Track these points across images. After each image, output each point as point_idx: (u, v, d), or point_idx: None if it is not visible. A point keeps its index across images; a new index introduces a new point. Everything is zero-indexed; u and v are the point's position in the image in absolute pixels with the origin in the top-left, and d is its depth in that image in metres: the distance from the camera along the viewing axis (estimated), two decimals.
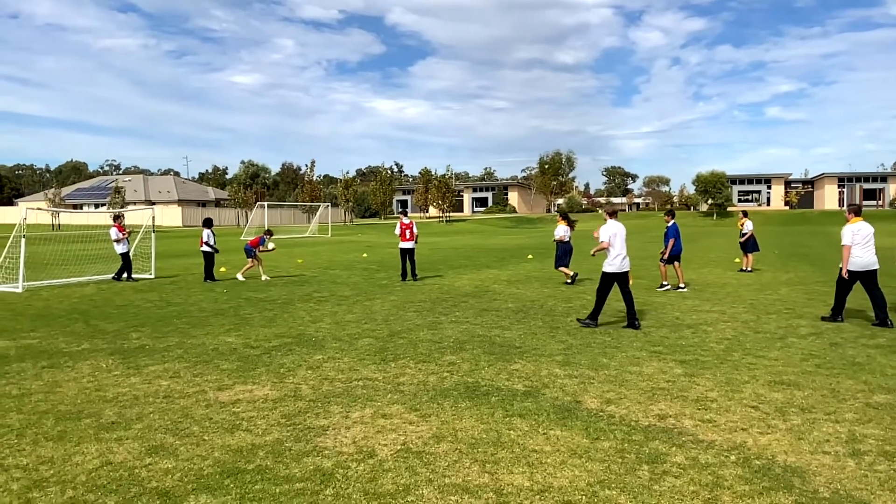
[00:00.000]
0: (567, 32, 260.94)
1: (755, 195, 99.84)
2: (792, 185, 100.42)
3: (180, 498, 4.59)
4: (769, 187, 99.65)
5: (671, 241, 15.89)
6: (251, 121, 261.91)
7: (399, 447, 5.52)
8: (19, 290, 16.21)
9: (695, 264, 22.77)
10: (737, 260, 22.73)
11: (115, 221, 19.20)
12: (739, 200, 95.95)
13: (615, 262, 10.69)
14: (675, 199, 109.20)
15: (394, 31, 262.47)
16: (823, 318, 11.44)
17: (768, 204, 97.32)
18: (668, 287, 15.76)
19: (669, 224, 16.22)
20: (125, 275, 18.73)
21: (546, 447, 5.51)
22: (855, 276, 11.00)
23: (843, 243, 11.04)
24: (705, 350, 9.14)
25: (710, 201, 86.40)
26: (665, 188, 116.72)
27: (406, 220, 18.12)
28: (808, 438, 5.68)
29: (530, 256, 27.23)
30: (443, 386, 7.39)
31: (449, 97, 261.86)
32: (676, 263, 16.14)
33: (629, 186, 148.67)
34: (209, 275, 18.51)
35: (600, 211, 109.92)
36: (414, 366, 8.34)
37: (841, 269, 11.04)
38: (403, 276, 18.24)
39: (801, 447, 5.48)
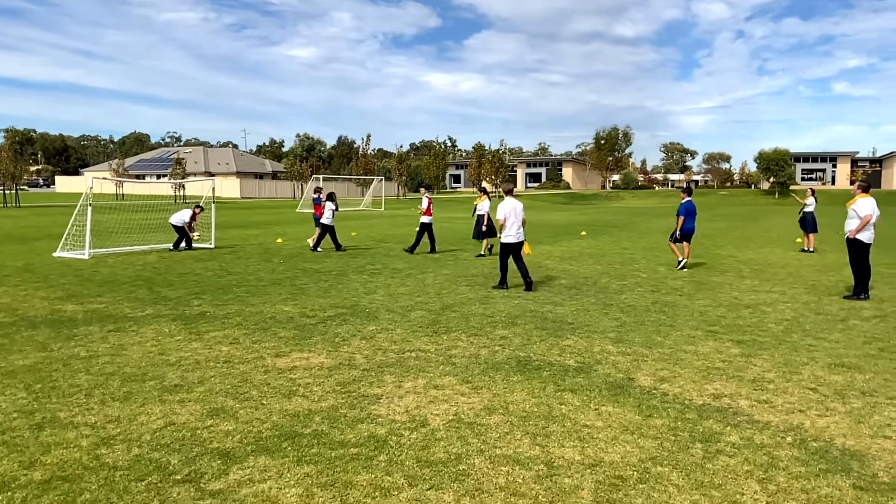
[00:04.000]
0: (627, 4, 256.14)
1: (819, 174, 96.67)
2: (859, 164, 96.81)
3: (240, 458, 4.75)
4: (834, 166, 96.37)
5: (681, 219, 15.00)
6: (307, 94, 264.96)
7: (451, 417, 5.59)
8: (86, 257, 16.81)
9: (755, 244, 22.24)
10: (798, 240, 22.11)
11: (195, 207, 19.55)
12: (803, 179, 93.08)
13: (511, 233, 12.06)
14: (736, 177, 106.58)
15: (450, 4, 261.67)
16: (846, 297, 11.46)
17: (833, 183, 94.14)
18: (685, 262, 15.13)
19: (683, 200, 15.19)
20: (183, 244, 19.10)
21: (598, 422, 5.51)
22: (867, 247, 11.34)
23: (866, 212, 11.22)
24: (763, 331, 8.96)
25: (771, 179, 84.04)
26: (725, 165, 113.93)
27: (430, 196, 18.98)
28: (869, 422, 5.55)
29: (584, 233, 26.97)
30: (494, 359, 7.43)
31: (504, 71, 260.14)
32: (686, 243, 15.26)
33: (688, 163, 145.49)
34: (336, 245, 19.04)
35: (658, 187, 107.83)
36: (466, 339, 8.40)
37: (852, 238, 11.27)
38: (412, 249, 18.81)
39: (861, 431, 5.36)
